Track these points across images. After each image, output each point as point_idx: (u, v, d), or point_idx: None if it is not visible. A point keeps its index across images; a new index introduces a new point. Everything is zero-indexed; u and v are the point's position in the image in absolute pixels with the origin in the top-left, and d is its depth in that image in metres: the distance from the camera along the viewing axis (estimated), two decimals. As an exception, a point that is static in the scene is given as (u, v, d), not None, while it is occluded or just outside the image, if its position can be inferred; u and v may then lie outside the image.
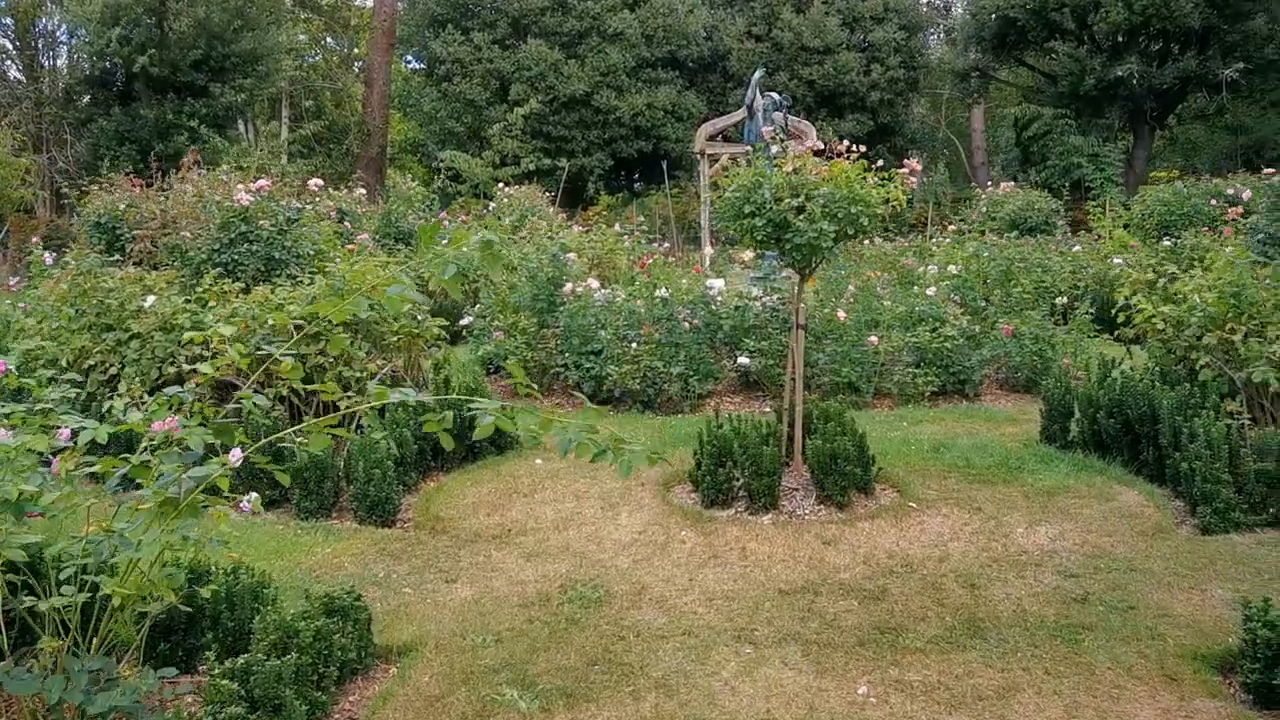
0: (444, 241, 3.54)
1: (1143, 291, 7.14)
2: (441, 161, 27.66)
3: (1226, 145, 29.36)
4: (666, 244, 21.40)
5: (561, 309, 9.78)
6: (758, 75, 11.69)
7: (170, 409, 3.61)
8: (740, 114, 20.71)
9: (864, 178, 6.04)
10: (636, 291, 9.80)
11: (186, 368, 6.72)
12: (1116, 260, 13.24)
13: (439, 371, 7.83)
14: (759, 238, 6.08)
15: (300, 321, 6.36)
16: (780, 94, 11.64)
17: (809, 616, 4.71)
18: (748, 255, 11.95)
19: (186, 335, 3.72)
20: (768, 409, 8.92)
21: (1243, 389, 6.11)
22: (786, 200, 5.94)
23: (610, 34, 29.34)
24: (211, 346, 6.73)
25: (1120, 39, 27.11)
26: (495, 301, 10.62)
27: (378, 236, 15.27)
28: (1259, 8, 25.67)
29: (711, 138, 21.15)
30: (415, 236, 15.50)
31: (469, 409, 3.35)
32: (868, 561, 5.32)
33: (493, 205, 19.09)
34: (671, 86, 29.71)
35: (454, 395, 7.20)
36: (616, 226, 19.88)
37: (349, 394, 6.46)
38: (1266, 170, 8.99)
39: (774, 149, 7.64)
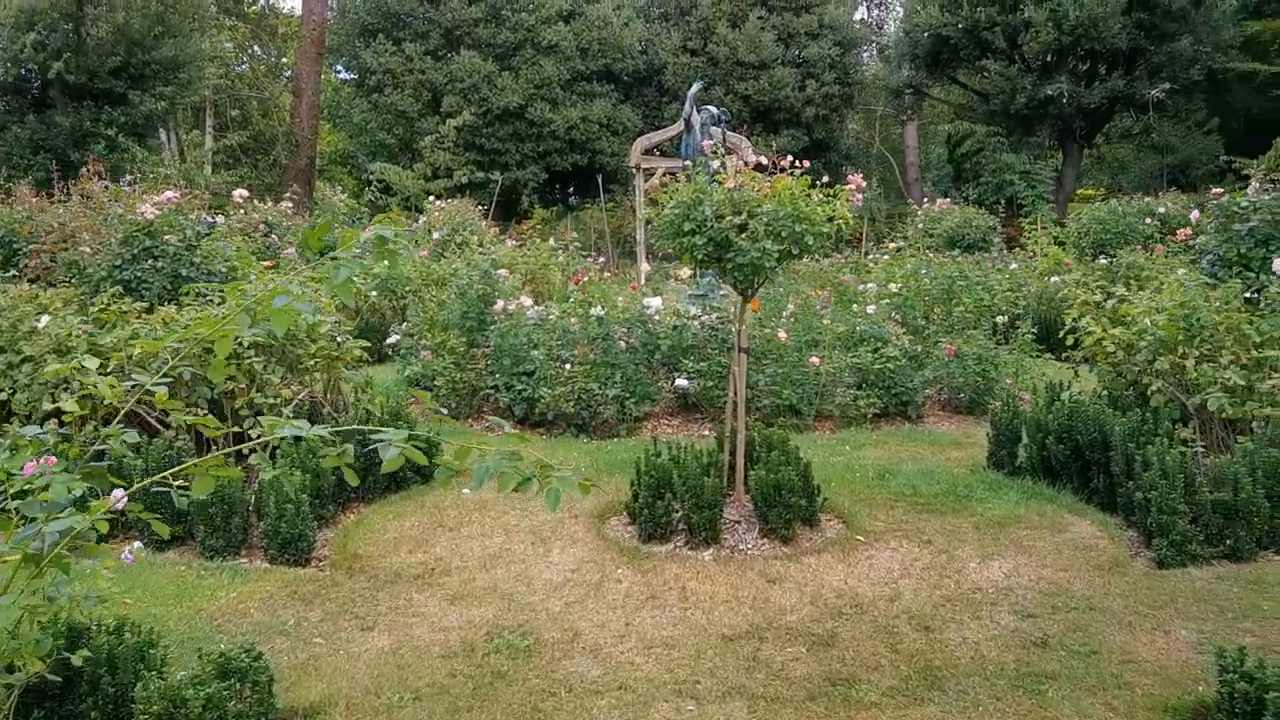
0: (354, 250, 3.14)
1: (1091, 313, 6.95)
2: (371, 174, 27.13)
3: (1153, 164, 29.84)
4: (602, 259, 21.07)
5: (492, 328, 9.38)
6: (694, 89, 11.41)
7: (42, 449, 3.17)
8: (677, 128, 20.45)
9: (808, 195, 5.76)
10: (571, 309, 9.44)
11: (78, 394, 6.20)
12: (1054, 279, 13.20)
13: (360, 395, 7.40)
14: (699, 257, 5.77)
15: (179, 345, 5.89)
16: (719, 108, 11.37)
17: (755, 666, 4.37)
18: (685, 272, 11.66)
19: (49, 369, 3.27)
20: (707, 433, 8.61)
21: (1195, 415, 5.92)
22: (728, 218, 5.63)
23: (545, 46, 28.99)
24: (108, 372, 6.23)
25: (1050, 59, 27.43)
26: (423, 319, 10.18)
27: (302, 251, 14.71)
28: (1184, 29, 26.14)
29: (647, 152, 20.88)
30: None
31: (372, 440, 2.95)
32: (815, 602, 5.01)
33: (422, 219, 18.59)
34: (607, 100, 29.45)
35: (373, 422, 6.77)
36: (551, 241, 19.56)
37: (252, 422, 6.01)
38: (1215, 190, 8.89)
39: (714, 164, 7.35)
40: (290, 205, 17.16)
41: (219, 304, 7.49)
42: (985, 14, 26.89)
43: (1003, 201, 25.91)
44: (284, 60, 38.24)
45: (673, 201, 5.82)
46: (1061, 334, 7.15)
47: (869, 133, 38.85)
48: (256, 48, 36.99)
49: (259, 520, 5.92)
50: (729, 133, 13.34)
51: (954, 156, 31.69)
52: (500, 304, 9.72)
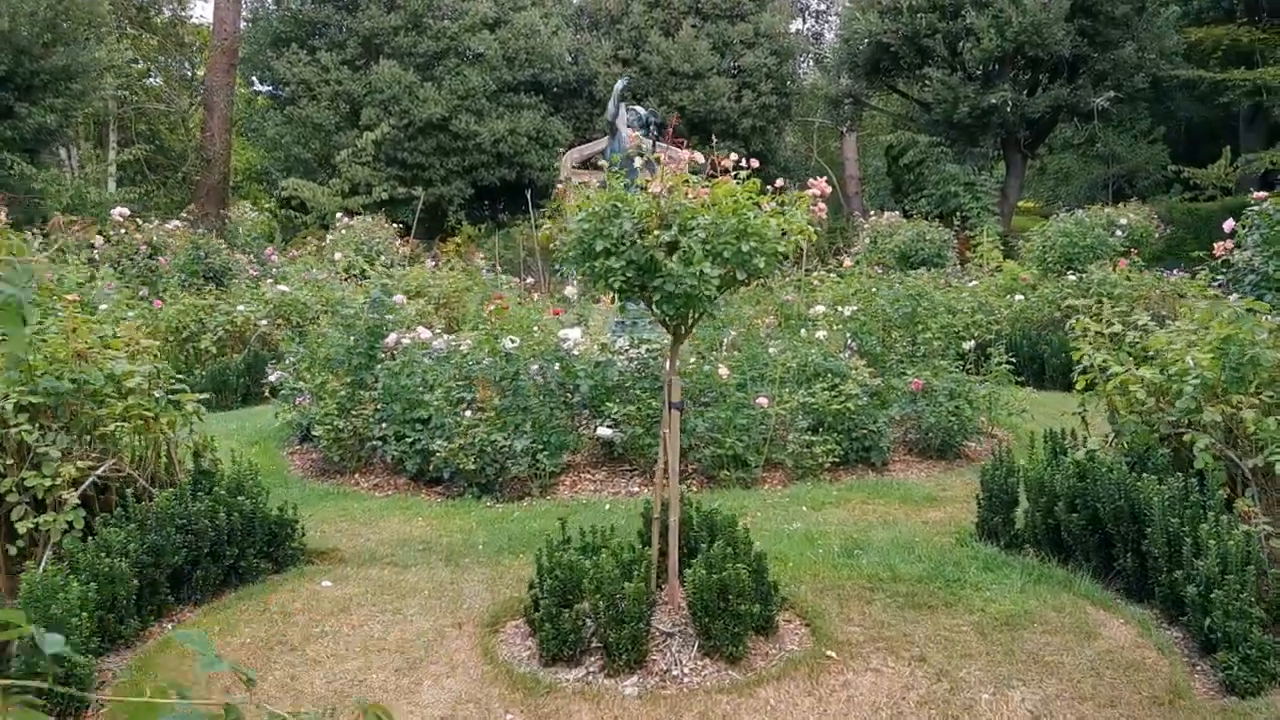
0: None
1: (1106, 348, 5.66)
2: (284, 190, 25.44)
3: (1099, 174, 29.13)
4: (531, 279, 19.64)
5: (379, 367, 7.91)
6: (620, 85, 10.04)
7: None
8: (605, 142, 19.20)
9: (756, 203, 4.40)
10: (480, 341, 7.98)
11: None
12: (1017, 298, 12.02)
13: (200, 458, 5.88)
14: (617, 284, 4.37)
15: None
16: (647, 109, 10.00)
17: None
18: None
19: None
20: (637, 489, 7.22)
21: (1253, 481, 4.63)
22: (655, 233, 4.24)
23: (469, 55, 27.57)
24: None
25: (993, 67, 26.60)
26: (303, 356, 8.67)
27: (184, 275, 13.08)
28: (1127, 36, 25.42)
29: (579, 165, 19.56)
30: (229, 274, 13.35)
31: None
32: (778, 763, 3.62)
33: (330, 238, 17.00)
34: (535, 111, 28.05)
35: (210, 495, 5.27)
36: (478, 259, 18.03)
37: (22, 510, 4.48)
38: (1258, 194, 7.67)
39: (637, 162, 5.93)
40: (178, 225, 15.44)
41: None
42: (926, 20, 25.96)
43: (943, 215, 24.93)
44: (197, 74, 36.22)
45: (581, 214, 4.43)
46: (1074, 375, 5.85)
47: (806, 145, 37.85)
48: (164, 59, 34.95)
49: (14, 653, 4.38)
50: (663, 143, 11.96)
51: (894, 168, 30.72)
52: (393, 337, 8.24)
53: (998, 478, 5.68)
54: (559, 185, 4.78)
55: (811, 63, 37.96)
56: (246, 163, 36.60)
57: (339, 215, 18.11)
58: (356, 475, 7.95)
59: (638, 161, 5.15)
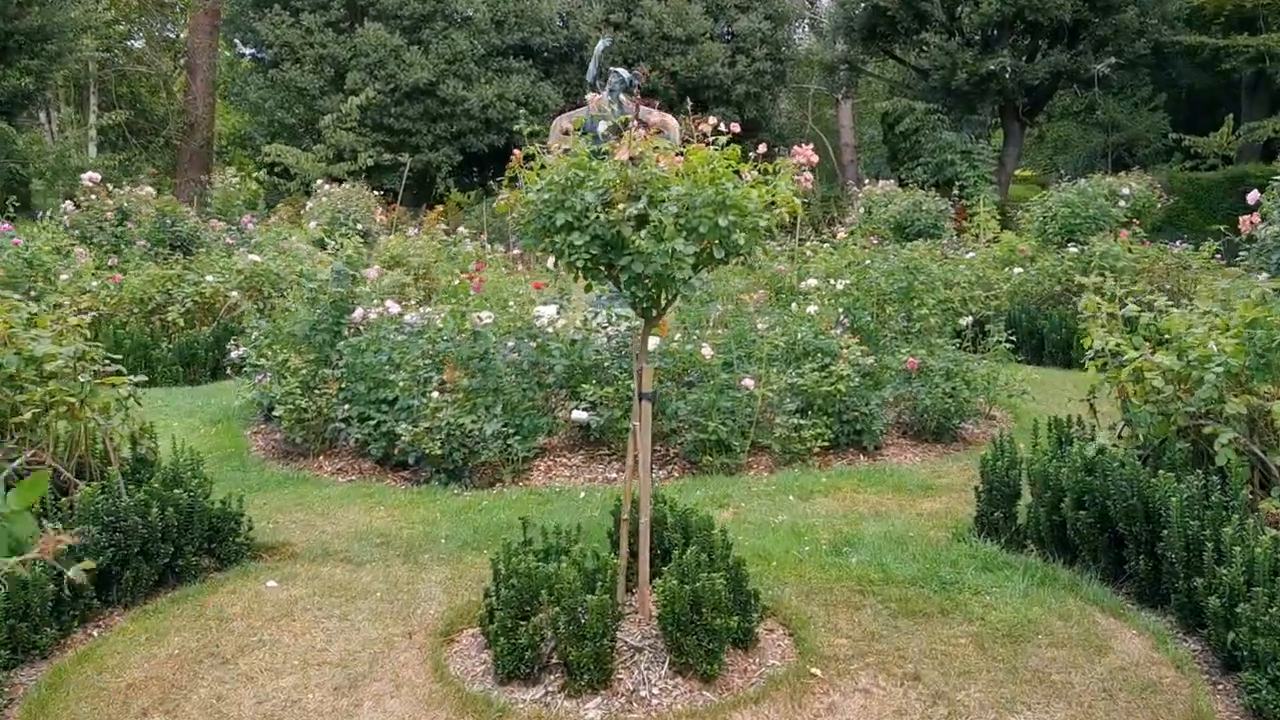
0: None
1: (1118, 330, 5.23)
2: (266, 155, 24.86)
3: (1098, 142, 28.57)
4: (517, 250, 19.12)
5: (343, 344, 7.46)
6: (601, 45, 9.52)
7: None
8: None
9: (737, 172, 3.95)
10: (449, 317, 7.53)
11: None
12: (1015, 270, 11.59)
13: (138, 445, 5.45)
14: (580, 263, 3.92)
15: None
16: (630, 71, 9.48)
17: None
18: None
19: None
20: (614, 475, 6.81)
21: (1280, 479, 4.22)
22: (621, 206, 3.80)
23: (457, 18, 26.90)
24: None
25: (992, 32, 26.01)
26: (265, 331, 8.22)
27: (150, 243, 12.58)
28: (1129, 1, 24.81)
29: (567, 132, 18.98)
30: (197, 243, 12.84)
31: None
32: (753, 803, 3.23)
33: (309, 204, 16.49)
34: (525, 77, 27.40)
35: (149, 484, 4.84)
36: (461, 228, 17.53)
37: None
38: None
39: (602, 126, 5.44)
40: (152, 190, 14.90)
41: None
42: (924, -17, 25.35)
43: (940, 183, 24.41)
44: (180, 36, 35.37)
45: (540, 183, 3.97)
46: (1084, 362, 5.43)
47: (801, 112, 37.18)
48: (144, 20, 34.10)
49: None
50: (649, 108, 11.40)
51: (890, 136, 30.14)
52: (359, 311, 7.79)
53: (998, 469, 5.26)
54: (515, 152, 4.26)
55: (807, 28, 37.25)
56: (231, 127, 35.91)
57: (318, 182, 17.56)
58: (320, 458, 7.53)
59: (602, 126, 4.69)
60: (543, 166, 4.03)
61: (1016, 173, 30.44)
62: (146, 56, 32.95)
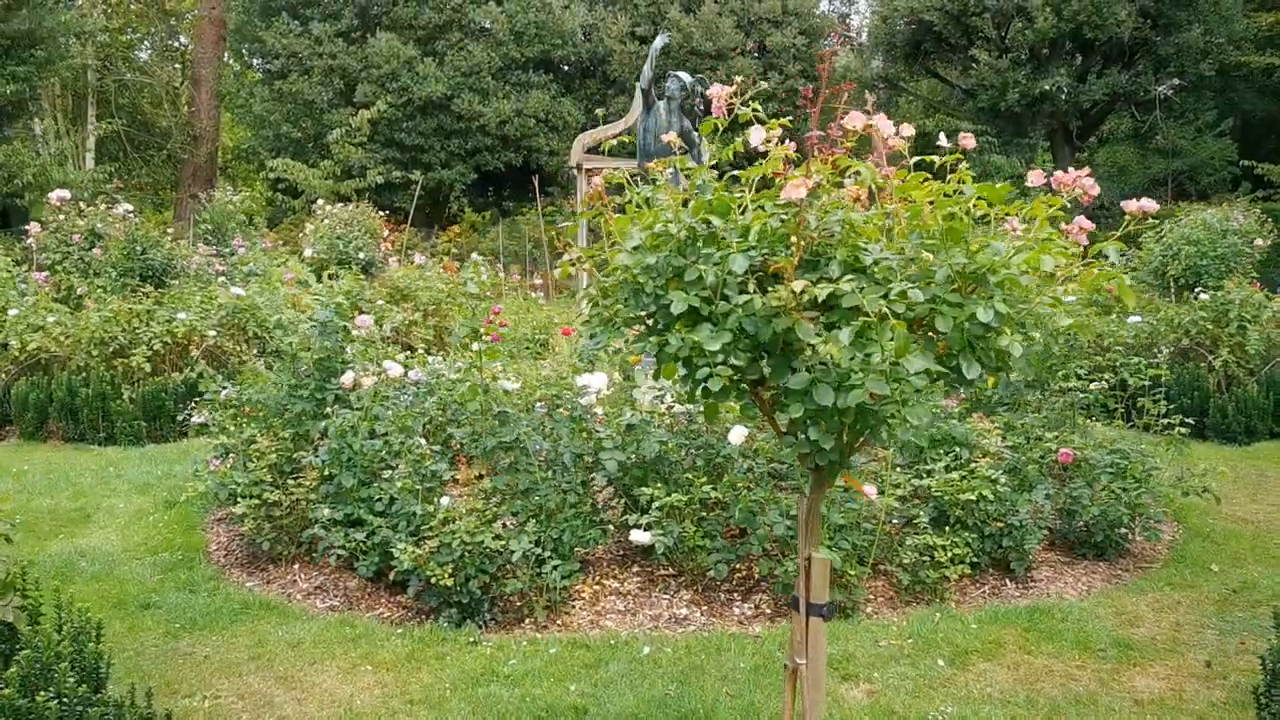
0: None
1: None
2: (271, 171, 23.21)
3: (1158, 169, 26.74)
4: (538, 280, 17.42)
5: (325, 422, 5.70)
6: (659, 43, 7.82)
7: None
8: (625, 122, 16.85)
9: (985, 216, 2.21)
10: (464, 394, 5.71)
11: None
12: (1132, 319, 9.77)
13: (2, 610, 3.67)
14: (718, 385, 2.15)
15: None
16: (693, 76, 7.73)
17: None
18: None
19: None
20: (685, 611, 5.05)
21: None
22: (793, 284, 2.04)
23: (474, 29, 25.33)
24: None
25: (1045, 51, 24.29)
26: (226, 400, 6.47)
27: (117, 271, 10.86)
28: (1194, 18, 23.05)
29: (591, 150, 17.27)
30: (170, 271, 11.12)
31: None
32: None
33: (309, 228, 14.77)
34: (545, 91, 25.76)
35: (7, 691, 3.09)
36: (474, 255, 15.73)
37: None
38: None
39: (706, 154, 3.66)
40: (129, 208, 13.17)
41: None
42: (975, -3, 23.65)
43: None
44: (185, 45, 33.86)
45: (636, 235, 2.22)
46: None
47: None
48: (146, 28, 32.60)
49: None
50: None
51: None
52: (349, 376, 6.04)
53: (1295, 664, 3.48)
54: (596, 180, 2.43)
55: (837, 44, 35.62)
56: (237, 142, 34.37)
57: (319, 202, 15.87)
58: (295, 565, 5.79)
59: (707, 154, 2.89)
60: (646, 202, 2.28)
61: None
62: (149, 66, 31.45)
